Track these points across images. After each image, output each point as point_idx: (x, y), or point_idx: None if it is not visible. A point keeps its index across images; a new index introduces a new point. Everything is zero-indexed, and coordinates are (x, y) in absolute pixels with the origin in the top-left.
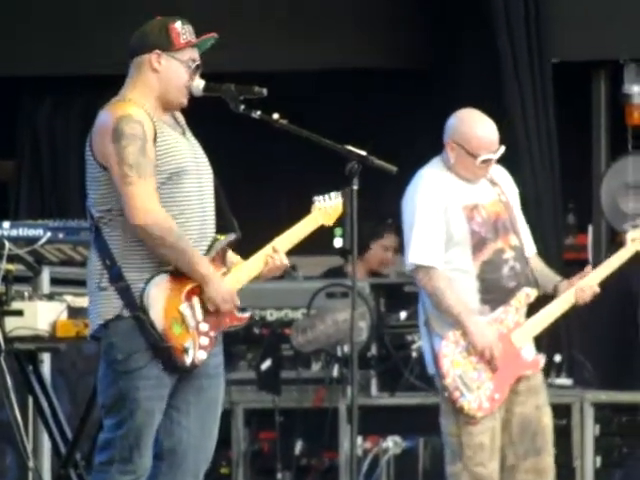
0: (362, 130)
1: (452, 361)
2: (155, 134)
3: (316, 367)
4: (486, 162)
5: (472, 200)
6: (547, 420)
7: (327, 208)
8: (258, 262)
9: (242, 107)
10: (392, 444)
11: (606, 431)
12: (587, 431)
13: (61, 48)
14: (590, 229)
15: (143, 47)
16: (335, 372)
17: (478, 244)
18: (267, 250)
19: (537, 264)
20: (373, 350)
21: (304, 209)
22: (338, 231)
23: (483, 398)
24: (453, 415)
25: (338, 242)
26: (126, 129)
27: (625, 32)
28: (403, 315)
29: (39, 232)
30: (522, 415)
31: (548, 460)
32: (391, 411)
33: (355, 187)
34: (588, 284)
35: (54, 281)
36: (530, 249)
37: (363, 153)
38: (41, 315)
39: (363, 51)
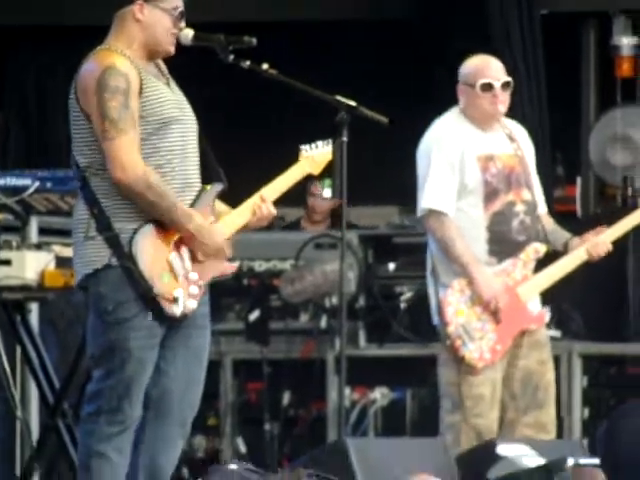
0: (349, 81)
1: (456, 310)
2: (141, 85)
3: (304, 318)
4: (487, 90)
5: (487, 150)
6: (550, 375)
7: (314, 156)
8: (246, 212)
9: (231, 57)
10: (380, 395)
11: (594, 382)
12: (575, 383)
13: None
14: (579, 181)
15: None
16: (323, 323)
17: (490, 195)
18: (255, 199)
19: (548, 222)
20: (361, 301)
21: (294, 159)
22: (327, 182)
23: (485, 348)
24: (454, 364)
25: (327, 193)
26: (110, 81)
27: None
28: (392, 266)
29: (27, 182)
30: (525, 369)
31: (550, 414)
32: (379, 362)
33: (344, 138)
34: (602, 240)
35: (42, 231)
36: (542, 207)
37: (353, 103)
38: (29, 265)
39: (348, 2)
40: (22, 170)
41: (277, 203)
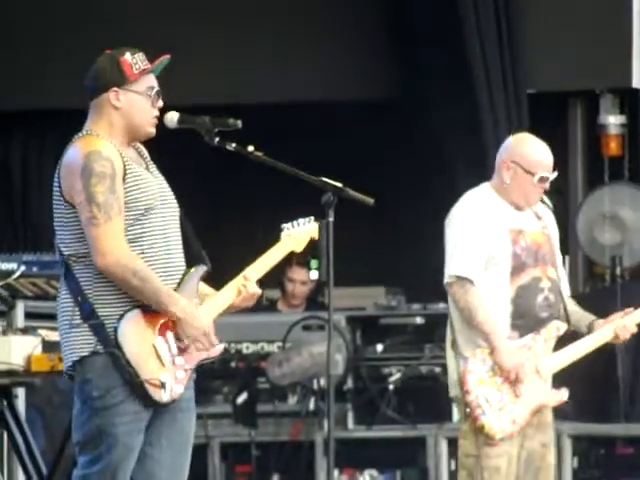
0: (336, 162)
1: (477, 378)
2: (125, 170)
3: (292, 400)
4: (542, 181)
5: (518, 225)
6: (551, 459)
7: (296, 234)
8: (230, 292)
9: (217, 139)
10: (369, 477)
11: (584, 464)
12: (565, 463)
13: (32, 81)
14: (567, 260)
15: (99, 87)
16: (311, 405)
17: (517, 267)
18: (239, 280)
19: (571, 305)
20: (349, 383)
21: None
22: (314, 263)
23: (504, 420)
24: (473, 435)
25: (314, 274)
26: (95, 166)
27: (601, 63)
28: (379, 348)
29: (13, 266)
30: (529, 450)
31: None
32: (368, 444)
33: (331, 219)
34: (630, 322)
35: (28, 315)
36: (566, 290)
37: (339, 185)
38: (15, 349)
39: (332, 83)
40: (8, 254)
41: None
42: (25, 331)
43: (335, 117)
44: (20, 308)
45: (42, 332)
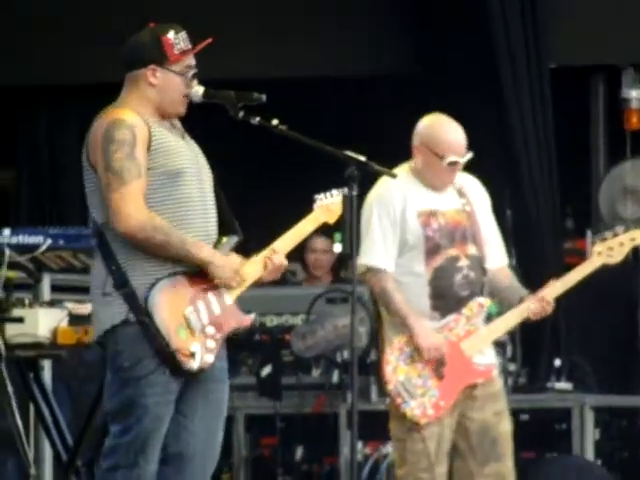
0: (359, 135)
1: (395, 367)
2: (150, 137)
3: (316, 373)
4: (453, 165)
5: (431, 206)
6: (506, 426)
7: (329, 205)
8: (258, 265)
9: (241, 113)
10: (392, 449)
11: (606, 435)
12: (587, 435)
13: (59, 57)
14: (589, 234)
15: (138, 62)
16: (335, 378)
17: (431, 250)
18: (267, 252)
19: (505, 276)
20: (373, 356)
21: (308, 213)
22: (338, 236)
23: (428, 405)
24: (399, 420)
25: (338, 247)
26: (115, 134)
27: (623, 37)
28: None
29: (39, 239)
30: (480, 421)
31: (509, 465)
32: None
33: (355, 192)
34: (544, 296)
35: (55, 288)
36: (499, 260)
37: (362, 158)
38: (42, 322)
39: (357, 58)
40: (34, 227)
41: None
42: (51, 304)
43: (358, 91)
44: (46, 281)
45: (68, 305)
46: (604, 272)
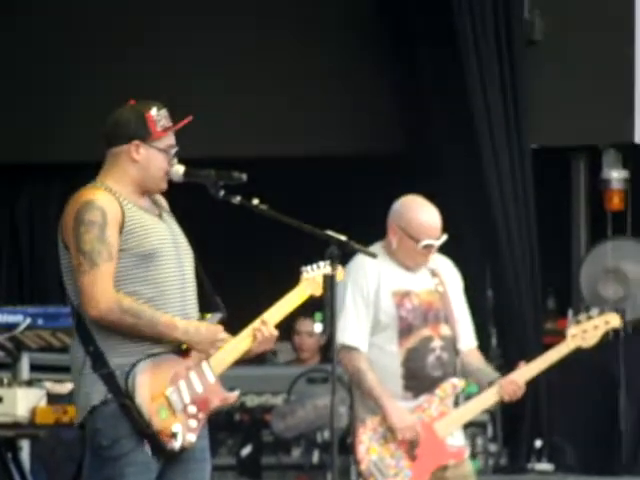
0: (340, 215)
1: (368, 447)
2: (123, 218)
3: (296, 453)
4: (427, 248)
5: (405, 286)
6: None
7: (315, 277)
8: (246, 337)
9: (222, 193)
10: None
11: None
12: None
13: (39, 135)
14: (570, 314)
15: (121, 137)
16: (315, 458)
17: (405, 330)
18: (255, 324)
19: (475, 358)
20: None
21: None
22: (318, 316)
23: None
24: None
25: (318, 327)
26: (85, 216)
27: (603, 118)
28: None
29: (18, 318)
30: None
31: None
32: None
33: (335, 272)
34: (514, 379)
35: (33, 367)
36: (469, 342)
37: (343, 238)
38: (20, 402)
39: (342, 139)
40: (13, 307)
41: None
42: (30, 383)
43: (339, 170)
44: (25, 360)
45: (47, 384)
46: (585, 352)
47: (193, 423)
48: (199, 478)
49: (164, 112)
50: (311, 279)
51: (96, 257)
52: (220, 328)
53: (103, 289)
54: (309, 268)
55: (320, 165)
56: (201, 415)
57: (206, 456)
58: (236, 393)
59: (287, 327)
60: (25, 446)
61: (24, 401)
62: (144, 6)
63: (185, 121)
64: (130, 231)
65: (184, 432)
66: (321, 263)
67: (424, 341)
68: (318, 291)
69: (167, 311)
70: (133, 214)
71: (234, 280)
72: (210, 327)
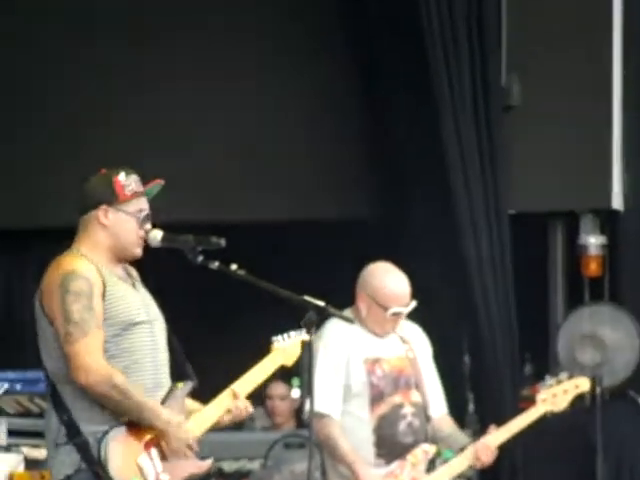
0: (318, 280)
1: None
2: (104, 288)
3: None
4: (396, 315)
5: (375, 353)
6: None
7: (286, 348)
8: (218, 408)
9: (200, 258)
10: None
11: None
12: None
13: (14, 201)
14: (548, 379)
15: (89, 204)
16: None
17: (376, 397)
18: (227, 394)
19: (446, 424)
20: None
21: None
22: (295, 381)
23: None
24: None
25: (295, 392)
26: (71, 285)
27: (581, 183)
28: None
29: None
30: None
31: None
32: None
33: (313, 337)
34: (486, 444)
35: (11, 432)
36: (440, 409)
37: (321, 303)
38: None
39: (317, 204)
40: None
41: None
42: (7, 449)
43: (316, 235)
44: (3, 425)
45: (25, 449)
46: (562, 417)
47: None
48: None
49: (134, 177)
50: (282, 349)
51: (86, 327)
52: (195, 443)
53: (95, 360)
54: (280, 338)
55: (289, 230)
56: None
57: None
58: (209, 461)
59: (259, 392)
60: None
61: (2, 466)
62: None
63: (154, 182)
64: (109, 301)
65: None
66: (292, 333)
67: (395, 408)
68: (289, 361)
69: (140, 380)
70: (112, 284)
71: (204, 345)
72: (189, 430)
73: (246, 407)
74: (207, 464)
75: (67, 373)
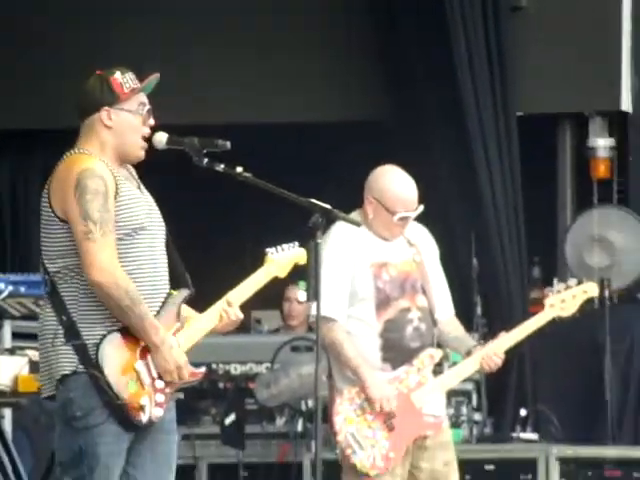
0: (325, 182)
1: (345, 418)
2: (117, 189)
3: (280, 422)
4: (403, 219)
5: (382, 258)
6: (455, 477)
7: (280, 259)
8: (212, 316)
9: (205, 160)
10: None
11: None
12: None
13: (19, 101)
14: (555, 282)
15: (90, 107)
16: (299, 427)
17: (382, 302)
18: (221, 304)
19: (453, 327)
20: None
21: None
22: (302, 285)
23: (377, 456)
24: (350, 471)
25: (302, 295)
26: (89, 184)
27: (590, 85)
28: None
29: (0, 286)
30: (431, 470)
31: None
32: None
33: (319, 240)
34: (494, 350)
35: (15, 335)
36: (447, 311)
37: (327, 206)
38: (2, 370)
39: (330, 105)
40: None
41: (256, 306)
42: (12, 351)
43: (322, 137)
44: (7, 328)
45: (29, 352)
46: (570, 320)
47: (160, 397)
48: (167, 449)
49: (130, 75)
50: (276, 261)
51: (105, 227)
52: (186, 364)
53: (112, 261)
54: (273, 250)
55: (304, 132)
56: (168, 390)
57: (173, 427)
58: (203, 369)
59: (275, 295)
60: (7, 414)
61: (6, 369)
62: None
63: (152, 77)
64: (119, 204)
65: (151, 406)
66: (285, 245)
67: (402, 312)
68: (282, 273)
69: (138, 286)
70: (123, 186)
71: (207, 252)
72: (181, 355)
73: (235, 314)
74: (201, 372)
75: (72, 270)
